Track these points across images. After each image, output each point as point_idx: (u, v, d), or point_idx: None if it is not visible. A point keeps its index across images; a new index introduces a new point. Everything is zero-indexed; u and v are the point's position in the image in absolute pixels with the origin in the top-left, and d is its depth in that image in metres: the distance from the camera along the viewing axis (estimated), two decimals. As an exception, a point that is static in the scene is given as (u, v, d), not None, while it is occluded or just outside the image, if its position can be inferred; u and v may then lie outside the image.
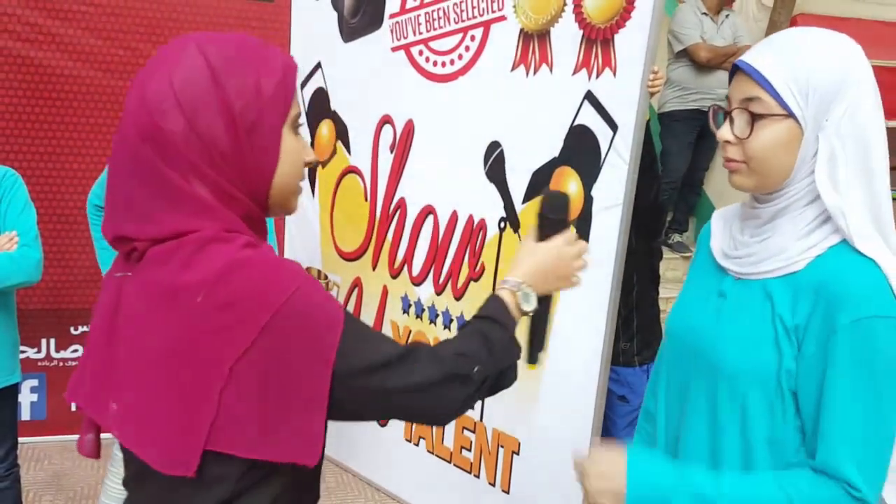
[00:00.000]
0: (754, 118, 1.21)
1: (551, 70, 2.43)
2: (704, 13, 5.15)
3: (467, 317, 2.80)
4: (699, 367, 1.31)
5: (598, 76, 2.31)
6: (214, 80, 0.98)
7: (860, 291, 1.14)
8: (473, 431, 2.85)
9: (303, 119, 1.05)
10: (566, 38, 2.38)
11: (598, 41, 2.30)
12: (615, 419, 2.76)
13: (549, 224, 1.25)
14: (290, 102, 1.04)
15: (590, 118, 2.34)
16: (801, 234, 1.22)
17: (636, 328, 2.69)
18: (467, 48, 2.64)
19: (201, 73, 0.98)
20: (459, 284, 2.80)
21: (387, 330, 3.10)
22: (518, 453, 2.72)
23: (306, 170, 1.12)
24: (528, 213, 2.56)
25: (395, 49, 2.87)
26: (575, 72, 2.36)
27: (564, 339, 2.51)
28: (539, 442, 2.64)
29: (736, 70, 1.25)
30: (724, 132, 1.26)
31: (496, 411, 2.76)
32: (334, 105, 3.15)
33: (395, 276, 3.02)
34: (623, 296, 2.62)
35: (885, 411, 1.13)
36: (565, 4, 2.37)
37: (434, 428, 2.99)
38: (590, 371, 2.44)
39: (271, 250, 1.05)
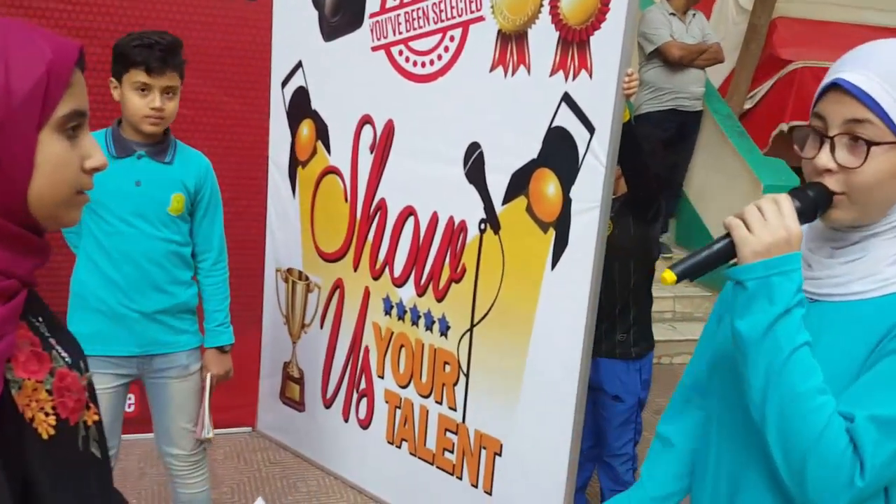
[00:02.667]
0: (868, 145, 1.08)
1: (529, 71, 2.43)
2: (672, 13, 5.21)
3: (449, 318, 2.82)
4: None
5: (574, 78, 2.32)
6: None
7: None
8: (456, 433, 2.85)
9: (75, 117, 0.95)
10: (543, 39, 2.38)
11: (575, 43, 2.31)
12: (610, 418, 2.76)
13: (804, 200, 1.14)
14: (56, 102, 0.90)
15: (567, 120, 2.35)
16: (894, 258, 1.13)
17: (633, 319, 2.70)
18: (446, 48, 2.64)
19: None
20: (441, 286, 2.80)
21: (369, 331, 3.10)
22: (500, 454, 2.72)
23: (90, 177, 0.98)
24: (507, 214, 2.56)
25: (375, 49, 2.87)
26: (552, 73, 2.37)
27: (545, 339, 2.52)
28: (521, 442, 2.64)
29: (830, 88, 1.13)
30: (824, 160, 1.12)
31: (478, 412, 2.76)
32: (315, 104, 3.14)
33: (376, 277, 3.02)
34: (621, 286, 2.63)
35: None
36: (542, 5, 2.37)
37: (417, 430, 2.99)
38: (571, 370, 2.45)
39: (1, 282, 0.92)
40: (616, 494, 1.57)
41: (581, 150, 2.32)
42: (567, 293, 2.43)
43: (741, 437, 1.23)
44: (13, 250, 0.91)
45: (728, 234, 1.13)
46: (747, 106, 6.54)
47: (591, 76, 2.28)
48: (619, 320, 2.69)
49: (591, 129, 2.30)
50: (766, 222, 1.10)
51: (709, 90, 5.64)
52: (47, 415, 0.91)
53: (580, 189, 2.35)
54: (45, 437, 0.90)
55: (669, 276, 1.13)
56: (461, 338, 2.78)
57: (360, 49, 2.91)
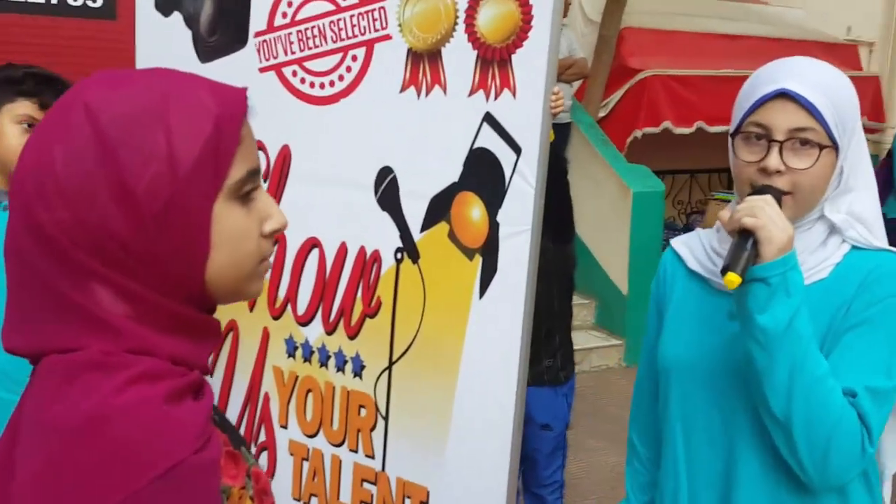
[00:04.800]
0: (820, 148, 1.22)
1: (445, 91, 2.29)
2: None
3: (363, 357, 2.61)
4: (741, 397, 1.27)
5: (496, 97, 2.21)
6: (105, 153, 0.75)
7: None
8: (374, 483, 2.64)
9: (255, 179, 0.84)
10: (460, 58, 2.25)
11: (495, 61, 2.19)
12: (539, 448, 2.67)
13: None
14: (228, 164, 0.80)
15: (491, 141, 2.23)
16: (814, 247, 1.28)
17: (558, 343, 2.63)
18: (349, 69, 2.45)
19: (88, 146, 0.75)
20: (353, 322, 2.59)
21: (269, 377, 2.83)
22: (427, 503, 2.54)
23: (271, 241, 0.87)
24: (427, 241, 2.40)
25: (263, 70, 2.62)
26: (471, 93, 2.24)
27: (475, 374, 2.37)
28: (451, 489, 2.47)
29: (774, 97, 1.23)
30: (774, 162, 1.23)
31: (400, 459, 2.57)
32: (193, 133, 2.84)
33: (276, 316, 2.76)
34: (544, 310, 2.53)
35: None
36: (456, 23, 2.24)
37: (328, 482, 2.75)
38: (505, 406, 2.31)
39: (191, 375, 0.80)
40: None
41: (507, 172, 2.21)
42: (498, 323, 2.30)
43: (725, 436, 1.30)
44: (195, 338, 0.82)
45: (746, 233, 1.19)
46: (601, 114, 6.75)
47: (514, 95, 2.17)
48: (545, 345, 2.60)
49: (517, 149, 2.19)
50: (775, 222, 1.18)
51: (573, 101, 5.76)
52: None
53: (508, 212, 2.23)
54: None
55: (736, 278, 1.16)
56: (378, 378, 2.58)
57: (246, 70, 2.64)
